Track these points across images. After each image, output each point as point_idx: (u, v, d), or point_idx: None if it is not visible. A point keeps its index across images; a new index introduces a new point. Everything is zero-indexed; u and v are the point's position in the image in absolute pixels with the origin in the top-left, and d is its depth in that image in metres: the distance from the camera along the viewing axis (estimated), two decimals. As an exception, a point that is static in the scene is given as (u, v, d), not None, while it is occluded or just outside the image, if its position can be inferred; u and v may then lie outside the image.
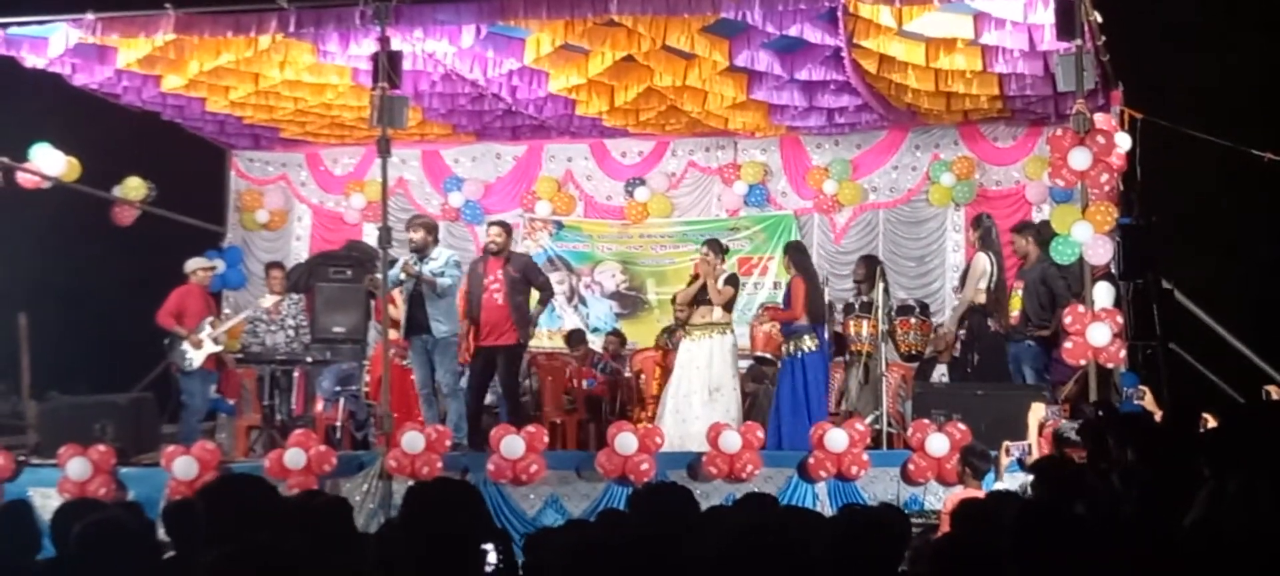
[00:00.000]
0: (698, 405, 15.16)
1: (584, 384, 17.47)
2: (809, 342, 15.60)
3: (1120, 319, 13.85)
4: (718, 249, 15.72)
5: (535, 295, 16.10)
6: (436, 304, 15.07)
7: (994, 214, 18.10)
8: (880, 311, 15.71)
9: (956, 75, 16.78)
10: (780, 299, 17.64)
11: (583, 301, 20.91)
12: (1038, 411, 13.31)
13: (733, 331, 15.61)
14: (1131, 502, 7.92)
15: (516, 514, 13.61)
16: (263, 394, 16.79)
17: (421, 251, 15.18)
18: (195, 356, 16.31)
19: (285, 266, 18.96)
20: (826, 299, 16.30)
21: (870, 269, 16.19)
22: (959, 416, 13.81)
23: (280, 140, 20.98)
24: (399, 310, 15.41)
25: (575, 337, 18.92)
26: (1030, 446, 12.99)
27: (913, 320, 16.42)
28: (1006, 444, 13.16)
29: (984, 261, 15.65)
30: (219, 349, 16.55)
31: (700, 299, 15.49)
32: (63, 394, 17.65)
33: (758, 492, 8.78)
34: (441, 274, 15.03)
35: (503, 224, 16.35)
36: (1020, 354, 15.48)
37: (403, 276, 15.06)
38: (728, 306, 15.51)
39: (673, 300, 17.16)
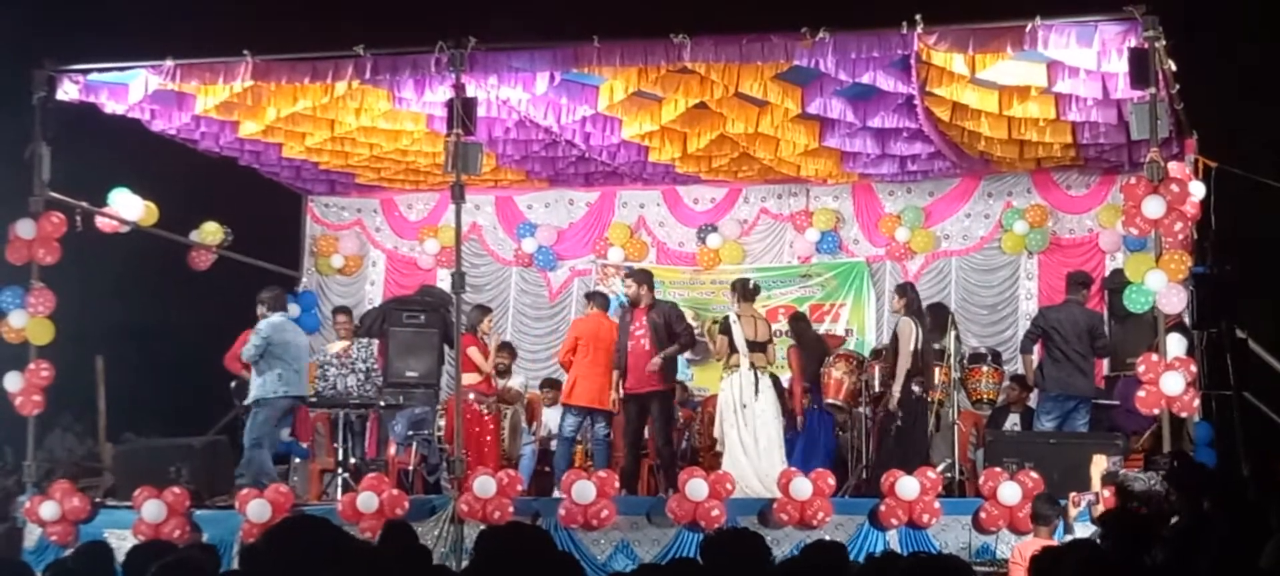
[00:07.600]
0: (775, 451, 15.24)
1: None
2: None
3: (1194, 368, 13.80)
4: (744, 290, 15.88)
5: None
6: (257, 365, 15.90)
7: (1068, 262, 18.14)
8: (952, 359, 15.67)
9: (1030, 123, 16.74)
10: (851, 345, 17.92)
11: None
12: (1099, 463, 13.26)
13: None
14: (1207, 552, 7.89)
15: (587, 559, 13.61)
16: (336, 437, 16.82)
17: None
18: None
19: (352, 311, 19.13)
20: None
21: (940, 318, 16.15)
22: (1031, 465, 13.75)
23: (355, 186, 21.09)
24: (487, 359, 16.41)
25: None
26: (1097, 496, 12.92)
27: (985, 368, 16.42)
28: (1073, 494, 13.11)
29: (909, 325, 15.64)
30: None
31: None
32: (138, 436, 17.84)
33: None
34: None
35: (636, 273, 16.71)
36: None
37: None
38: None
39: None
